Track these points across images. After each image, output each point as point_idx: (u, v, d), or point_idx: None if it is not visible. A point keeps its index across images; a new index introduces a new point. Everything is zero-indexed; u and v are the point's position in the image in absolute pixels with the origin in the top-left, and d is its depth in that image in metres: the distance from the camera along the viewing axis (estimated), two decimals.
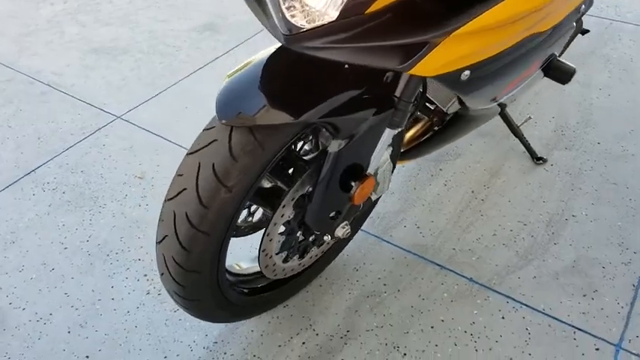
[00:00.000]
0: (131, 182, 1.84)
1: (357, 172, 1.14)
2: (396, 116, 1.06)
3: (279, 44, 0.94)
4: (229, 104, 0.97)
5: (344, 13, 0.81)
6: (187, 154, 1.03)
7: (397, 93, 1.04)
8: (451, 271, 1.55)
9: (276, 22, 0.87)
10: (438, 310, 1.46)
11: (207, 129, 1.03)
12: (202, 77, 2.36)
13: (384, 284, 1.52)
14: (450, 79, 1.00)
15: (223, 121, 0.97)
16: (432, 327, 1.43)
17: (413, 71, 0.87)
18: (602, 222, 1.68)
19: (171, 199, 1.03)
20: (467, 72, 0.99)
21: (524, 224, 1.68)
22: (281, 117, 0.95)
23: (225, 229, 1.05)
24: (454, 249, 1.61)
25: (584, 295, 1.49)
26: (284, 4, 0.84)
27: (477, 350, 1.38)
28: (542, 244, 1.62)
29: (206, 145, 1.00)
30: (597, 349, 1.38)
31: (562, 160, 1.89)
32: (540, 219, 1.69)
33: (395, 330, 1.42)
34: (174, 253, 1.04)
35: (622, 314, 1.45)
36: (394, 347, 1.38)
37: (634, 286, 1.51)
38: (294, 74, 1.00)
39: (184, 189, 1.01)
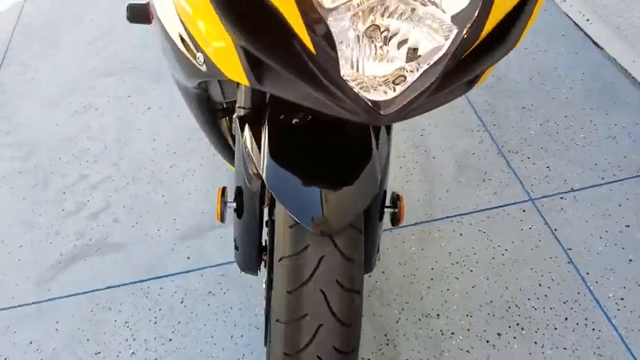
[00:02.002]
0: None
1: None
2: None
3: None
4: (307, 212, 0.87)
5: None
6: (290, 292, 0.89)
7: None
8: None
9: (357, 106, 0.74)
10: None
11: (294, 254, 0.90)
12: None
13: None
14: None
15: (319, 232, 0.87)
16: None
17: None
18: None
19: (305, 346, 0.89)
20: None
21: None
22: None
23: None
24: None
25: (483, 181, 1.80)
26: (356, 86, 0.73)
27: None
28: None
29: (316, 268, 0.88)
30: (524, 211, 1.71)
31: None
32: None
33: None
34: None
35: (511, 178, 1.81)
36: None
37: (498, 154, 1.88)
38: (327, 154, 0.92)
39: (320, 325, 0.89)
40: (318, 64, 0.71)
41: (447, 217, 1.70)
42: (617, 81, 2.17)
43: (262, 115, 0.94)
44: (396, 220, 1.14)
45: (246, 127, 0.98)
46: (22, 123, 2.12)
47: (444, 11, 0.69)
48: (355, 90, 0.72)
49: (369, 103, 0.72)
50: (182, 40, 0.87)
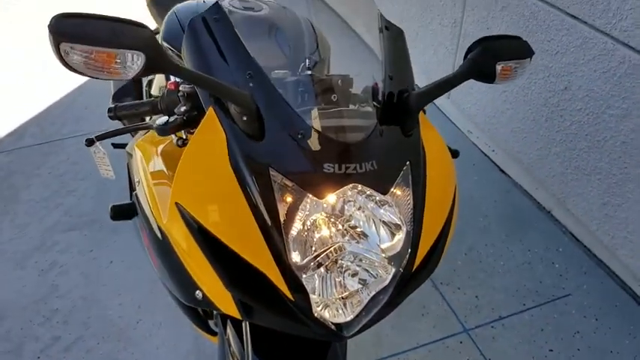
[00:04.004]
0: None
1: None
2: None
3: None
4: None
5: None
6: None
7: None
8: None
9: (326, 331, 0.99)
10: None
11: None
12: None
13: None
14: None
15: None
16: None
17: None
18: None
19: None
20: None
21: None
22: None
23: None
24: None
25: (422, 315, 2.05)
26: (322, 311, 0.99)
27: None
28: None
29: None
30: (461, 343, 1.96)
31: None
32: None
33: None
34: None
35: (447, 310, 2.07)
36: None
37: (432, 286, 2.15)
38: None
39: None
40: (296, 306, 0.96)
41: (394, 355, 1.92)
42: (525, 207, 2.53)
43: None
44: None
45: (229, 324, 1.19)
46: None
47: (383, 251, 0.98)
48: (327, 323, 0.99)
49: (334, 328, 0.99)
50: (186, 272, 1.07)
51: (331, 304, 0.99)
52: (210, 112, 1.03)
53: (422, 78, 3.22)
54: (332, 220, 0.96)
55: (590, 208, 2.24)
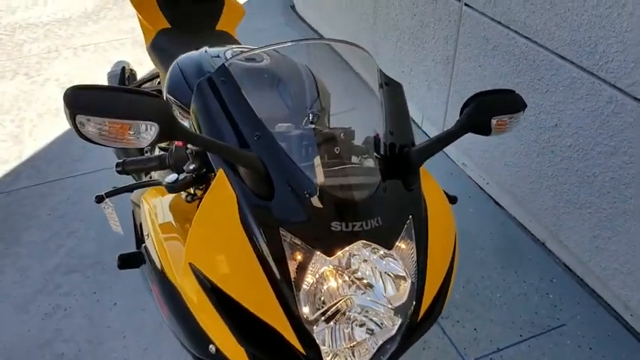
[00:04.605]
0: None
1: None
2: None
3: None
4: None
5: None
6: None
7: None
8: None
9: None
10: None
11: None
12: None
13: None
14: None
15: None
16: None
17: None
18: None
19: None
20: None
21: None
22: None
23: None
24: None
25: (424, 349, 2.09)
26: None
27: None
28: None
29: None
30: None
31: None
32: None
33: None
34: None
35: (447, 344, 2.11)
36: None
37: None
38: None
39: None
40: (308, 359, 1.01)
41: None
42: (519, 239, 2.60)
43: None
44: None
45: None
46: None
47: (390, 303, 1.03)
48: None
49: None
50: (199, 326, 1.10)
51: (340, 352, 1.04)
52: (220, 173, 1.08)
53: (417, 114, 3.30)
54: (339, 271, 1.01)
55: (582, 241, 2.31)
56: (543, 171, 2.42)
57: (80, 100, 0.86)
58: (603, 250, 2.21)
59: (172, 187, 1.15)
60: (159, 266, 1.25)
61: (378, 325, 1.02)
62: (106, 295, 2.35)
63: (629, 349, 2.11)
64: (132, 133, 0.90)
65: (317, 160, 1.06)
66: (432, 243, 1.11)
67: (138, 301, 2.30)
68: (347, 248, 0.99)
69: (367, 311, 1.01)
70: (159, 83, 2.35)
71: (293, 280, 0.98)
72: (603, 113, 2.04)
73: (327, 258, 0.98)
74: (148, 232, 1.37)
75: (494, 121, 1.16)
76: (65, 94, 0.87)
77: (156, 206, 1.39)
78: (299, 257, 0.99)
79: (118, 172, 1.26)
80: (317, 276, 0.99)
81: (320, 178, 1.04)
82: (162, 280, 1.22)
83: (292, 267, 0.99)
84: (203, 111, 1.15)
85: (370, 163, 1.13)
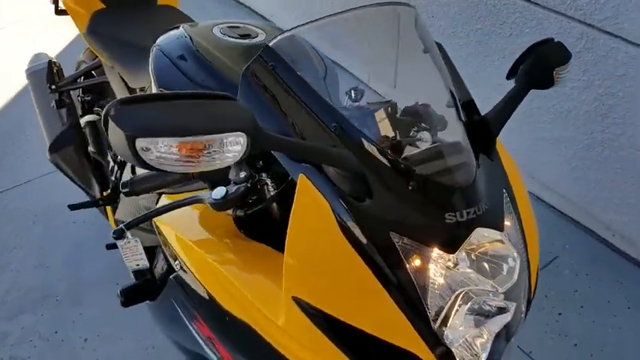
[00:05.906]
0: None
1: None
2: None
3: None
4: None
5: None
6: None
7: None
8: None
9: None
10: None
11: None
12: None
13: None
14: None
15: None
16: None
17: None
18: None
19: None
20: None
21: None
22: None
23: None
24: None
25: None
26: None
27: None
28: None
29: None
30: None
31: None
32: None
33: None
34: None
35: None
36: None
37: None
38: None
39: None
40: None
41: None
42: None
43: None
44: None
45: None
46: None
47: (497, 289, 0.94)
48: None
49: None
50: None
51: (466, 350, 0.95)
52: (302, 179, 0.91)
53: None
54: (456, 266, 0.91)
55: (560, 174, 2.41)
56: (515, 112, 2.47)
57: (138, 119, 0.68)
58: (581, 180, 2.32)
59: (222, 204, 0.97)
60: (205, 296, 1.10)
61: (495, 311, 0.94)
62: (71, 331, 1.98)
63: (619, 267, 2.26)
64: (211, 151, 0.73)
65: (412, 157, 0.95)
66: (522, 214, 1.05)
67: (113, 328, 1.98)
68: (467, 240, 0.90)
69: (485, 301, 0.92)
70: (102, 75, 2.05)
71: (419, 290, 0.88)
72: (574, 50, 2.10)
73: (450, 255, 0.89)
74: (178, 261, 1.18)
75: (555, 73, 1.09)
76: (108, 112, 0.68)
77: (181, 227, 1.18)
78: (418, 262, 0.88)
79: (126, 194, 1.06)
80: (442, 278, 0.89)
81: (414, 163, 0.92)
82: (217, 312, 1.07)
83: (415, 275, 0.88)
84: (256, 105, 0.96)
85: (455, 139, 1.01)
